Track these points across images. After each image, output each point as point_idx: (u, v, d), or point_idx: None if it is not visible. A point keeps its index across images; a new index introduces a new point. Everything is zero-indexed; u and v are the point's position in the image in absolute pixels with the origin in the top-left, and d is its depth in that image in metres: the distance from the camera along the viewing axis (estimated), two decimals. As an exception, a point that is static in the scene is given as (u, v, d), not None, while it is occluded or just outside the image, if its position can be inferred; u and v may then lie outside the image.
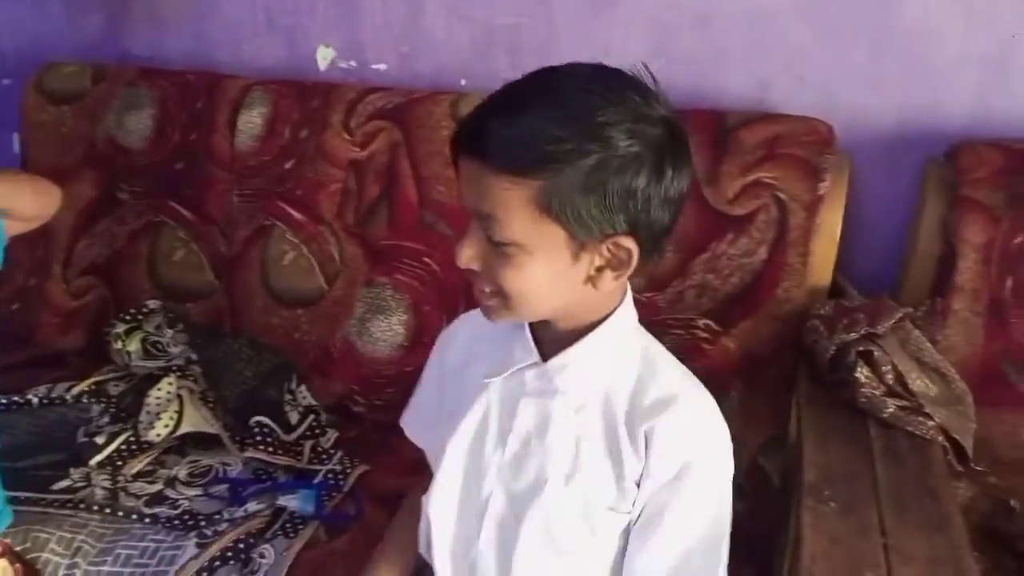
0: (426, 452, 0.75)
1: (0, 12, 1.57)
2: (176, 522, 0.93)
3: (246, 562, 0.87)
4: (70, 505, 0.95)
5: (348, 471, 1.04)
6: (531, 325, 0.64)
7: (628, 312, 0.64)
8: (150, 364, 1.18)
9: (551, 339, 0.63)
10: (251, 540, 0.89)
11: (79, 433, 1.06)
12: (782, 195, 1.01)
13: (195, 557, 0.86)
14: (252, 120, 1.27)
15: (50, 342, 1.31)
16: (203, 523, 0.93)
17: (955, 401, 0.90)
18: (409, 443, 0.78)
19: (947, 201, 0.99)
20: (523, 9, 1.22)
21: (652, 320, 0.67)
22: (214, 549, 0.86)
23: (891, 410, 0.86)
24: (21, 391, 1.13)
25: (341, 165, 1.22)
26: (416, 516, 0.72)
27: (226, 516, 0.93)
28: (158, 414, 1.04)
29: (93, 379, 1.15)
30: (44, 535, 0.88)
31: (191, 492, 0.99)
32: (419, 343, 1.14)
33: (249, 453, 1.02)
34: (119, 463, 1.01)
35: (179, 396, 1.06)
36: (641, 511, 0.61)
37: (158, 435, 1.02)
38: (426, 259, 1.17)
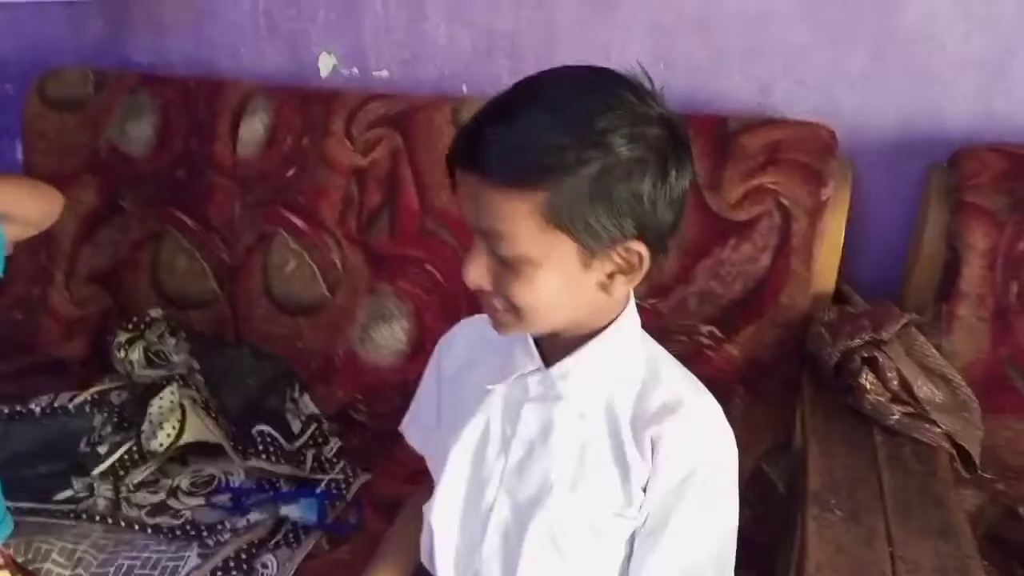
0: (427, 459, 0.75)
1: (1, 18, 1.57)
2: (178, 532, 0.93)
3: (248, 572, 0.86)
4: (72, 515, 0.95)
5: (351, 480, 1.04)
6: (533, 331, 0.64)
7: (631, 318, 0.64)
8: (152, 373, 1.19)
9: (553, 345, 0.63)
10: (253, 550, 0.89)
11: (81, 443, 1.06)
12: (785, 201, 1.00)
13: (197, 567, 0.86)
14: (254, 127, 1.27)
15: (52, 350, 1.31)
16: (205, 533, 0.93)
17: (961, 407, 0.89)
18: (411, 451, 0.78)
19: (950, 206, 0.99)
20: (523, 15, 1.22)
21: (655, 327, 0.67)
22: (216, 559, 0.86)
23: (896, 417, 0.85)
24: (23, 400, 1.13)
25: (343, 172, 1.22)
26: (415, 522, 0.72)
27: (228, 526, 0.93)
28: (160, 423, 1.04)
29: (95, 388, 1.15)
30: (46, 545, 0.88)
31: (193, 502, 0.99)
32: (422, 351, 1.14)
33: (251, 462, 1.02)
34: (121, 473, 1.01)
35: (182, 405, 1.05)
36: (647, 517, 0.61)
37: (161, 445, 1.02)
38: (428, 266, 1.17)
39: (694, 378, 0.65)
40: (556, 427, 0.63)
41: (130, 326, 1.24)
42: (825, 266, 1.02)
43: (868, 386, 0.86)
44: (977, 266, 0.95)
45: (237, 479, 1.03)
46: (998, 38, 1.03)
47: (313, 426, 1.12)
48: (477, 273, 0.57)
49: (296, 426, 1.11)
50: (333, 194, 1.22)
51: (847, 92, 1.10)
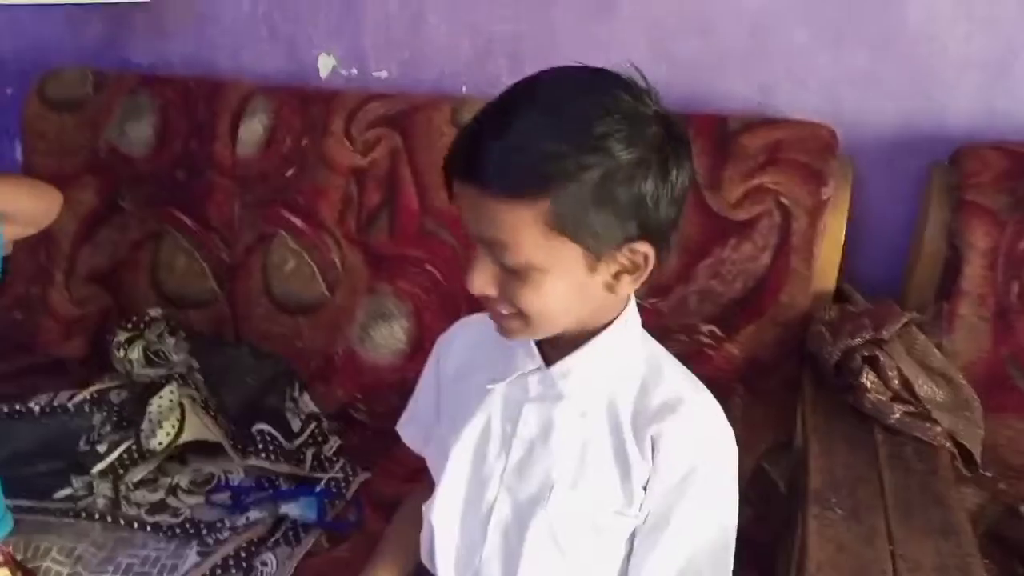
0: (426, 458, 0.74)
1: (1, 19, 1.58)
2: (178, 530, 0.93)
3: (248, 570, 0.86)
4: (72, 513, 0.95)
5: (350, 479, 1.04)
6: (533, 330, 0.64)
7: (632, 317, 0.64)
8: (152, 372, 1.18)
9: (553, 344, 0.63)
10: (253, 548, 0.89)
11: (81, 441, 1.06)
12: (785, 200, 1.00)
13: (196, 565, 0.86)
14: (253, 128, 1.27)
15: (52, 350, 1.31)
16: (205, 531, 0.93)
17: (962, 406, 0.89)
18: (410, 450, 0.78)
19: (951, 205, 0.99)
20: (524, 16, 1.22)
21: (655, 326, 0.67)
22: (216, 557, 0.86)
23: (897, 416, 0.85)
24: (23, 399, 1.13)
25: (342, 172, 1.22)
26: (413, 521, 0.72)
27: (228, 524, 0.93)
28: (160, 422, 1.04)
29: (95, 387, 1.15)
30: (45, 543, 0.88)
31: (193, 500, 0.99)
32: (421, 350, 1.14)
33: (251, 461, 1.02)
34: (121, 471, 1.01)
35: (181, 404, 1.05)
36: (648, 515, 0.61)
37: (160, 443, 1.02)
38: (428, 266, 1.17)
39: (694, 378, 0.65)
40: (557, 426, 0.63)
41: (129, 325, 1.24)
42: (826, 265, 1.02)
43: (869, 385, 0.86)
44: (978, 265, 0.95)
45: (236, 478, 1.03)
46: (1000, 38, 1.03)
47: (313, 425, 1.12)
48: (482, 281, 0.57)
49: (296, 425, 1.11)
50: (332, 194, 1.22)
51: (848, 92, 1.10)
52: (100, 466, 1.01)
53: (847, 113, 1.09)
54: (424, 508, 0.69)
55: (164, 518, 0.95)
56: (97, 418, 1.10)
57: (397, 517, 0.78)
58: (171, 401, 1.06)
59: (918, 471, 0.80)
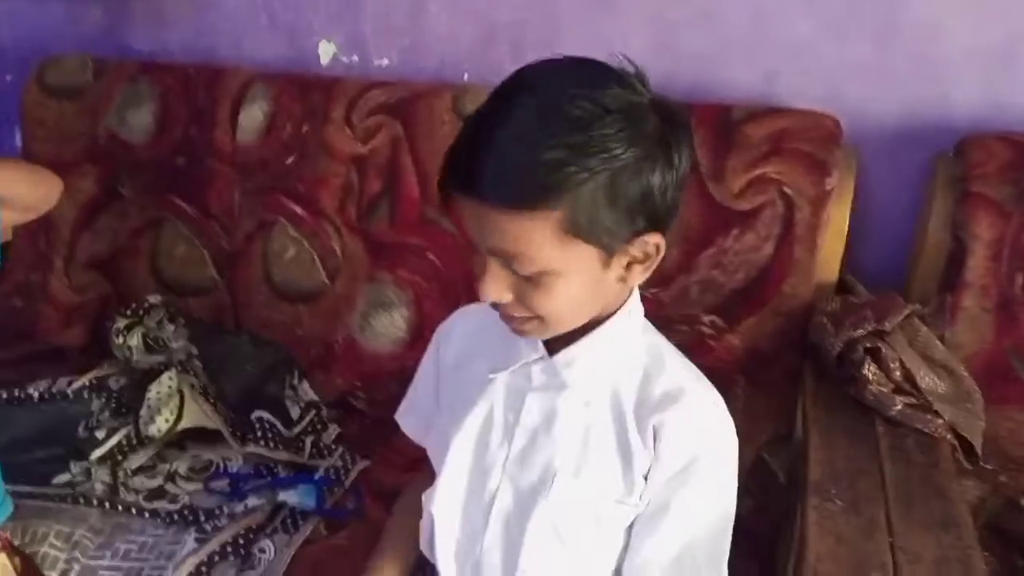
0: (427, 448, 0.74)
1: (1, 6, 1.57)
2: (176, 517, 0.93)
3: (245, 557, 0.86)
4: (70, 499, 0.95)
5: (349, 467, 1.04)
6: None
7: (635, 307, 0.63)
8: (151, 359, 1.18)
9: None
10: (251, 535, 0.89)
11: (80, 427, 1.06)
12: (788, 190, 1.00)
13: (194, 552, 0.86)
14: (254, 115, 1.26)
15: (51, 337, 1.31)
16: (203, 518, 0.93)
17: (964, 398, 0.88)
18: (410, 439, 0.78)
19: (955, 196, 0.98)
20: (526, 3, 1.21)
21: (656, 316, 0.66)
22: (213, 544, 0.86)
23: (899, 407, 0.85)
24: (22, 385, 1.13)
25: (343, 160, 1.21)
26: (415, 512, 0.72)
27: (226, 511, 0.93)
28: (159, 409, 1.03)
29: (94, 374, 1.15)
30: (43, 529, 0.88)
31: (191, 487, 0.99)
32: (421, 338, 1.14)
33: (250, 448, 1.02)
34: (119, 458, 1.01)
35: (180, 391, 1.05)
36: (648, 503, 0.61)
37: (159, 430, 1.02)
38: (428, 254, 1.16)
39: (695, 368, 0.65)
40: (560, 415, 0.62)
41: (129, 312, 1.23)
42: (829, 255, 1.01)
43: (870, 377, 0.86)
44: (982, 256, 0.94)
45: (235, 465, 1.03)
46: (1005, 27, 1.01)
47: (312, 413, 1.12)
48: (496, 290, 0.56)
49: (295, 413, 1.11)
50: (333, 182, 1.21)
51: (852, 81, 1.09)
52: (99, 452, 1.01)
53: (852, 102, 1.08)
54: (424, 497, 0.69)
55: (162, 504, 0.95)
56: (96, 404, 1.10)
57: (398, 508, 0.78)
58: (170, 388, 1.06)
59: (919, 463, 0.79)
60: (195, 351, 1.17)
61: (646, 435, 0.60)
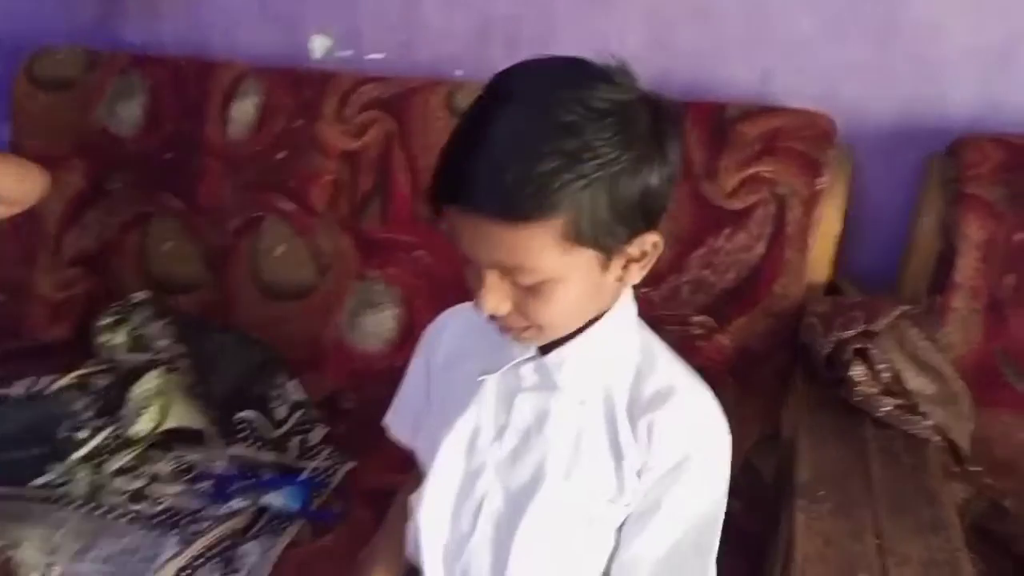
0: (416, 451, 0.74)
1: (-9, -3, 1.55)
2: (158, 520, 0.92)
3: (229, 560, 0.85)
4: (50, 500, 0.93)
5: (336, 468, 1.03)
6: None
7: (628, 305, 0.63)
8: (136, 358, 1.17)
9: None
10: (235, 539, 0.88)
11: (62, 427, 1.05)
12: (780, 190, 0.99)
13: (176, 555, 0.85)
14: (245, 109, 1.25)
15: (37, 333, 1.30)
16: (185, 520, 0.92)
17: (952, 400, 0.88)
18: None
19: (948, 196, 0.98)
20: (521, 0, 1.20)
21: (647, 316, 0.66)
22: (196, 547, 0.85)
23: (887, 409, 0.85)
24: (7, 383, 1.11)
25: (334, 156, 1.20)
26: (406, 517, 0.71)
27: (209, 513, 0.92)
28: (142, 408, 1.02)
29: (77, 372, 1.14)
30: (22, 531, 0.87)
31: (174, 489, 0.98)
32: (411, 338, 1.12)
33: (235, 449, 1.01)
34: (104, 457, 1.00)
35: (165, 391, 1.04)
36: (639, 501, 0.61)
37: (142, 430, 1.01)
38: (420, 252, 1.16)
39: (688, 367, 0.64)
40: (552, 415, 0.62)
41: (115, 309, 1.22)
42: (820, 256, 1.01)
43: (858, 378, 0.86)
44: (972, 257, 0.94)
45: (220, 466, 1.02)
46: (1005, 27, 1.01)
47: (299, 412, 1.11)
48: (495, 304, 0.55)
49: (282, 413, 1.10)
50: (324, 178, 1.20)
51: (849, 80, 1.08)
52: (82, 451, 1.00)
53: (848, 102, 1.07)
54: (411, 499, 0.68)
55: (144, 507, 0.94)
56: (80, 403, 1.09)
57: (391, 513, 0.77)
58: (155, 386, 1.05)
59: (907, 465, 0.79)
60: (183, 349, 1.16)
61: (638, 434, 0.60)
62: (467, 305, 0.67)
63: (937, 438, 0.84)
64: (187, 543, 0.86)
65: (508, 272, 0.54)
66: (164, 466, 1.01)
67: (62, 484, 0.97)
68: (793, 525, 0.70)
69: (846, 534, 0.69)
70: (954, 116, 1.05)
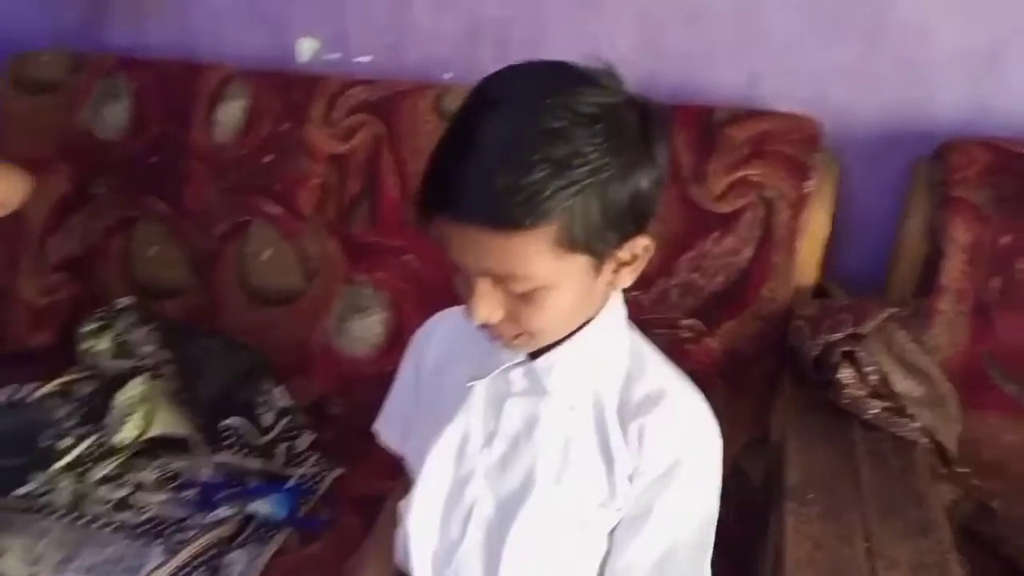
0: (405, 457, 0.73)
1: (-26, -1, 1.53)
2: (143, 528, 0.91)
3: (215, 569, 0.84)
4: (33, 510, 0.92)
5: (324, 474, 1.02)
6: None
7: (618, 309, 0.63)
8: (120, 364, 1.15)
9: None
10: (221, 548, 0.87)
11: (45, 435, 1.03)
12: (768, 193, 0.99)
13: (161, 565, 0.84)
14: (232, 112, 1.25)
15: (20, 340, 1.28)
16: (170, 530, 0.91)
17: (940, 402, 0.89)
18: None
19: (935, 200, 0.98)
20: (512, 1, 1.20)
21: (636, 319, 0.66)
22: (182, 556, 0.84)
23: (875, 411, 0.85)
24: (-10, 391, 1.10)
25: (322, 159, 1.20)
26: (395, 525, 0.70)
27: (195, 522, 0.91)
28: (126, 416, 1.01)
29: (61, 380, 1.12)
30: (4, 542, 0.86)
31: (159, 497, 0.97)
32: (399, 343, 1.11)
33: (221, 457, 1.00)
34: (87, 465, 0.99)
35: (150, 398, 1.03)
36: (632, 505, 0.61)
37: (127, 438, 1.00)
38: (407, 256, 1.15)
39: (676, 368, 0.64)
40: (541, 420, 0.62)
41: (100, 314, 1.21)
42: (808, 259, 1.01)
43: (847, 381, 0.86)
44: (959, 260, 0.95)
45: (206, 473, 1.01)
46: (992, 30, 1.02)
47: (286, 419, 1.10)
48: (487, 312, 0.55)
49: (268, 419, 1.09)
50: (311, 181, 1.20)
51: (837, 83, 1.09)
52: (65, 460, 0.98)
53: (835, 105, 1.08)
54: (400, 506, 0.67)
55: (129, 516, 0.93)
56: (63, 411, 1.07)
57: (380, 518, 0.77)
58: (140, 394, 1.04)
59: (895, 467, 0.80)
60: (168, 355, 1.15)
61: (629, 438, 0.60)
62: (456, 309, 0.67)
63: (925, 440, 0.84)
64: (172, 552, 0.85)
65: (500, 280, 0.53)
66: (149, 474, 1.00)
67: (45, 493, 0.96)
68: (783, 529, 0.70)
69: (835, 538, 0.69)
70: (941, 119, 1.06)
